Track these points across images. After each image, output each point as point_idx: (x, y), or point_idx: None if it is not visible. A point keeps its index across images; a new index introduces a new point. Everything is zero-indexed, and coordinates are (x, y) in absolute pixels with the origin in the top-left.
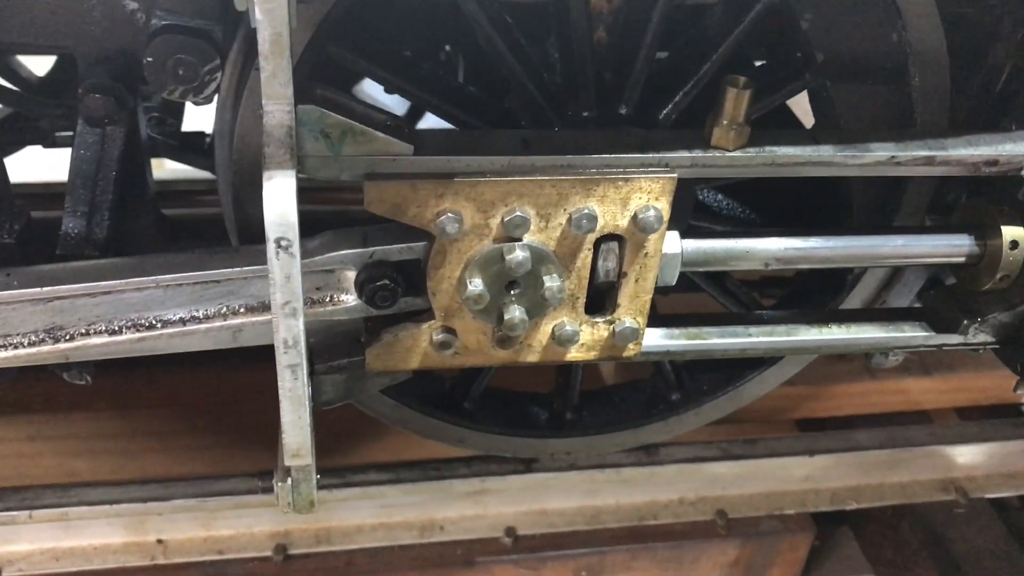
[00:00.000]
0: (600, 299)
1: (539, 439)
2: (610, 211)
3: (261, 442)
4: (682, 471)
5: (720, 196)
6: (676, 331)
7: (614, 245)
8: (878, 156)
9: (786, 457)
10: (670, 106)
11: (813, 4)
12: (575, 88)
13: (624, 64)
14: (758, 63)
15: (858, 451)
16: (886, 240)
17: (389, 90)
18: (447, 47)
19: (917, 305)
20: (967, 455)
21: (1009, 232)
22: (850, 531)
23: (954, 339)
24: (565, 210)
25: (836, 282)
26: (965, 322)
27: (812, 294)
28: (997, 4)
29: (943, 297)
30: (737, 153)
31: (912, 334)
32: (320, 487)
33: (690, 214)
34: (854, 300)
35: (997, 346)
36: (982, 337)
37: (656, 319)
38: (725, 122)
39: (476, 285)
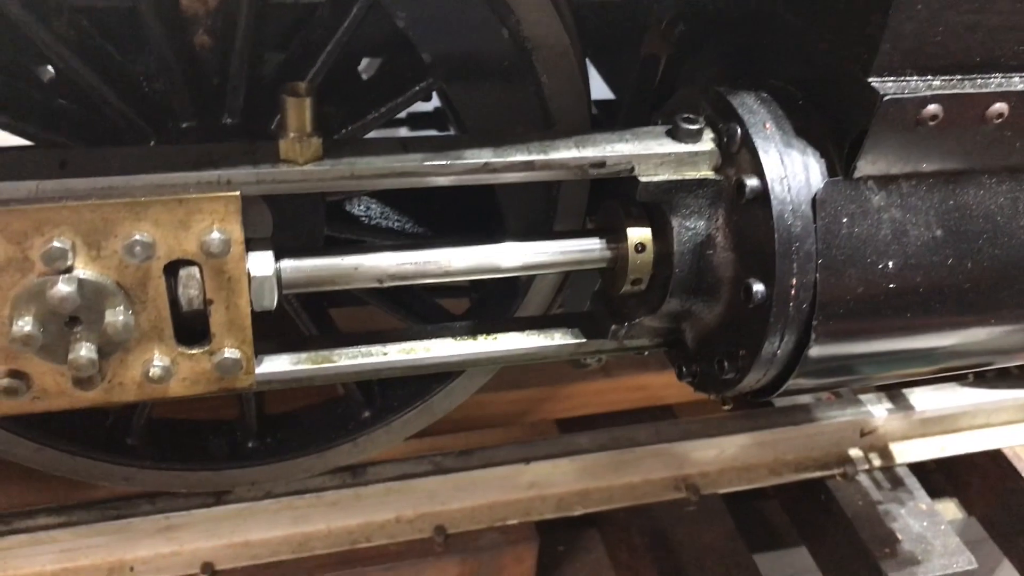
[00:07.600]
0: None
1: (215, 471)
2: (170, 236)
3: None
4: (392, 489)
5: (372, 205)
6: (302, 355)
7: (194, 271)
8: (471, 163)
9: (505, 466)
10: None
11: (408, 1)
12: (170, 98)
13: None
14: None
15: (580, 455)
16: (510, 248)
17: None
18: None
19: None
20: (699, 450)
21: (634, 235)
22: (597, 534)
23: (608, 344)
24: (116, 237)
25: (509, 288)
26: (613, 327)
27: (491, 301)
28: None
29: (597, 302)
30: (310, 167)
31: (564, 342)
32: None
33: (323, 225)
34: (529, 306)
35: (664, 348)
36: (638, 341)
37: (283, 343)
38: (292, 135)
39: (23, 325)
